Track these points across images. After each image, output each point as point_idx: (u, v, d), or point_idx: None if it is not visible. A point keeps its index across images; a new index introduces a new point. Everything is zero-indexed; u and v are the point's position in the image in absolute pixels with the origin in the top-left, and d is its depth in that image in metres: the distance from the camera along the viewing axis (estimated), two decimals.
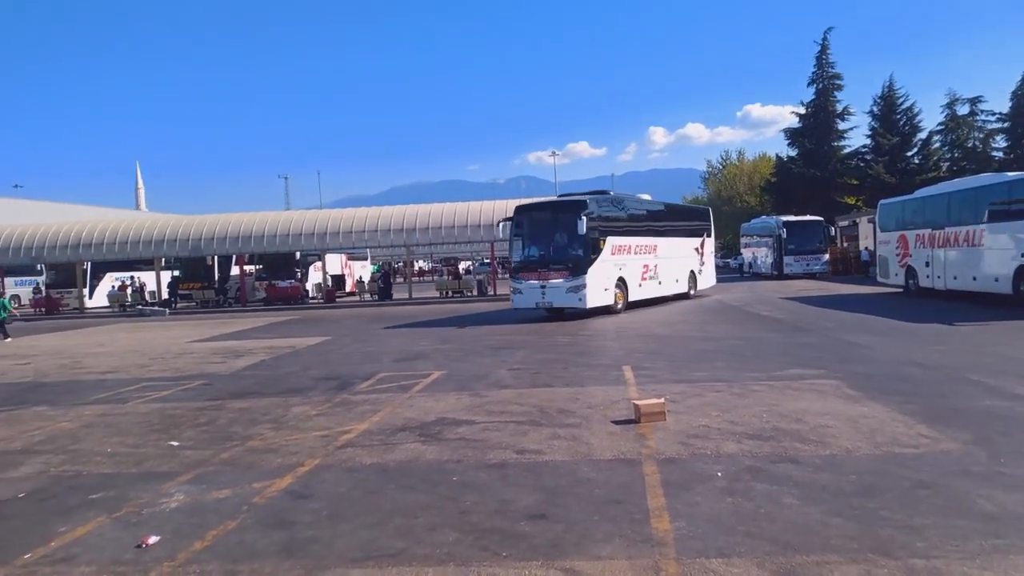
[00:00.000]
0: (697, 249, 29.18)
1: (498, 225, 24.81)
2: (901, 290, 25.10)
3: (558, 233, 21.64)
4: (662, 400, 8.29)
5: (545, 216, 22.64)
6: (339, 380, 12.19)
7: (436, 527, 5.12)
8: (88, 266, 40.25)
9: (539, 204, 23.87)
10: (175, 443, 8.18)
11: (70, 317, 36.05)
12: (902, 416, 7.81)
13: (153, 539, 5.11)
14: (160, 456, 7.64)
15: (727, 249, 76.10)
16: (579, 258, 21.08)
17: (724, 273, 56.27)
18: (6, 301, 25.99)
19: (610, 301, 22.17)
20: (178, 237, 37.07)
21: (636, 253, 24.00)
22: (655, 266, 25.27)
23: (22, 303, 42.02)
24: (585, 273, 20.99)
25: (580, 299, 20.94)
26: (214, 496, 6.14)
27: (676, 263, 26.92)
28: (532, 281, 21.59)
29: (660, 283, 25.58)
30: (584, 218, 20.43)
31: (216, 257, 39.51)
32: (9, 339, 23.90)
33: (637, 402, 8.22)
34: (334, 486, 6.26)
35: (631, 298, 23.45)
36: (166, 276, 40.73)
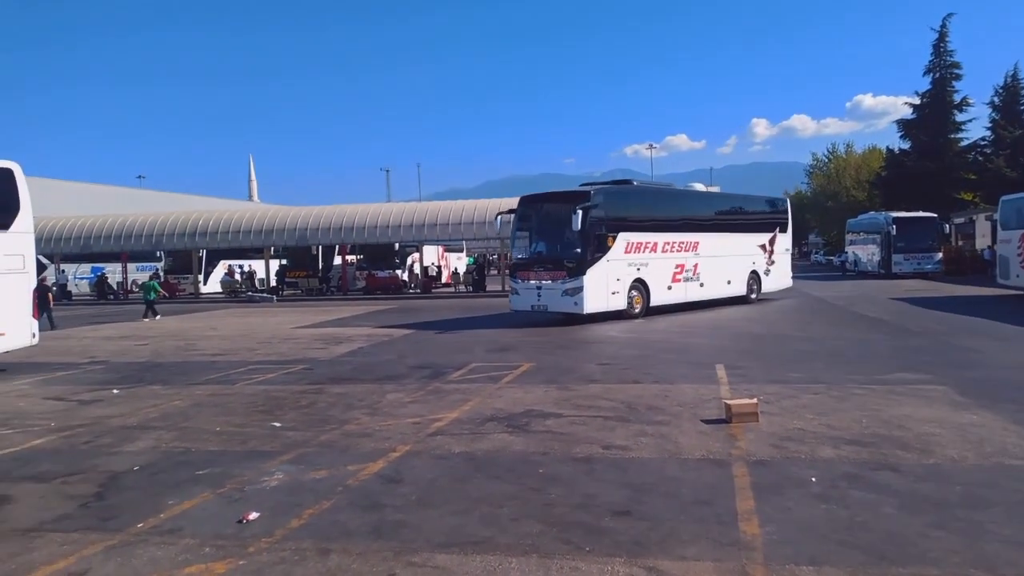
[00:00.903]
0: (764, 246, 25.58)
1: (496, 218, 22.93)
2: (1023, 293, 23.49)
3: (557, 229, 19.23)
4: (755, 400, 8.09)
5: (545, 209, 20.44)
6: (432, 369, 12.46)
7: (521, 518, 5.18)
8: (204, 254, 42.54)
9: (540, 196, 21.09)
10: (277, 424, 8.58)
11: (186, 302, 38.21)
12: (1014, 426, 7.35)
13: (253, 515, 5.39)
14: (263, 436, 8.04)
15: (831, 246, 72.97)
16: (577, 257, 18.73)
17: (825, 271, 54.25)
18: (155, 283, 28.45)
19: (620, 305, 19.65)
20: (286, 227, 38.68)
21: (664, 251, 21.25)
22: (694, 265, 22.38)
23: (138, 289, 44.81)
24: (583, 274, 18.60)
25: (576, 303, 18.58)
26: (311, 476, 6.42)
27: (729, 262, 23.69)
28: (528, 281, 19.60)
29: (702, 285, 22.62)
30: (580, 212, 17.91)
31: (320, 247, 40.96)
32: (158, 317, 25.99)
33: (728, 401, 8.06)
34: (423, 472, 6.43)
35: (656, 302, 20.87)
36: (275, 265, 42.63)
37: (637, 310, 20.24)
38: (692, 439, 7.21)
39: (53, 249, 40.03)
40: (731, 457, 6.54)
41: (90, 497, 6.10)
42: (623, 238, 19.78)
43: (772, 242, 25.96)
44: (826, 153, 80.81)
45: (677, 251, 21.83)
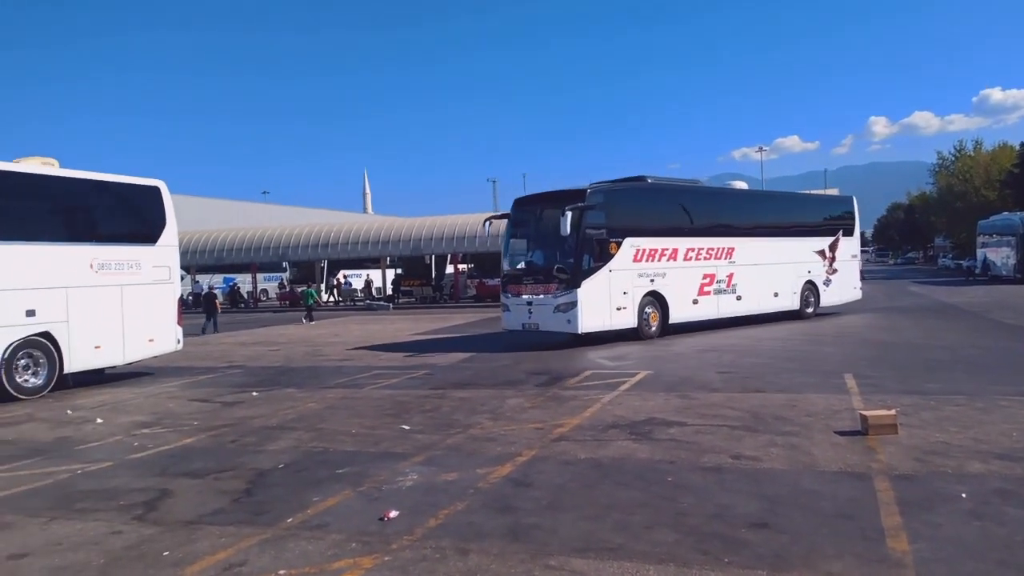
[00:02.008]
0: (823, 252, 22.35)
1: (484, 225, 19.25)
2: None
3: (551, 235, 16.33)
4: (893, 412, 7.72)
5: (539, 213, 17.48)
6: (549, 375, 12.57)
7: (654, 526, 5.17)
8: (325, 264, 44.56)
9: (535, 198, 18.26)
10: (406, 427, 8.89)
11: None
12: None
13: (393, 513, 5.62)
14: (394, 438, 8.35)
15: (960, 249, 68.38)
16: (570, 267, 16.15)
17: (952, 276, 50.76)
18: (313, 291, 30.86)
19: (628, 322, 16.93)
20: (400, 238, 40.00)
21: (687, 259, 18.42)
22: (728, 275, 19.35)
23: (269, 296, 47.40)
24: (577, 287, 15.98)
25: (570, 320, 16.00)
26: (443, 478, 6.62)
27: (776, 271, 20.65)
28: (519, 296, 17.06)
29: (739, 298, 19.58)
30: (569, 214, 15.36)
31: (433, 256, 42.09)
32: (314, 322, 27.93)
33: (864, 412, 7.73)
34: (552, 477, 6.51)
35: (678, 318, 18.04)
36: (391, 274, 44.17)
37: (653, 329, 17.46)
38: (827, 451, 6.96)
39: (190, 261, 42.90)
40: (872, 470, 6.28)
41: (241, 493, 6.52)
42: (631, 244, 17.08)
43: (833, 247, 22.68)
44: (952, 151, 75.84)
45: (705, 259, 18.91)
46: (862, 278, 24.55)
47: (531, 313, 16.75)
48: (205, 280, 47.18)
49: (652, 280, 17.50)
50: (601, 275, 16.43)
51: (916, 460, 6.52)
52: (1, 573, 4.90)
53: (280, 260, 45.17)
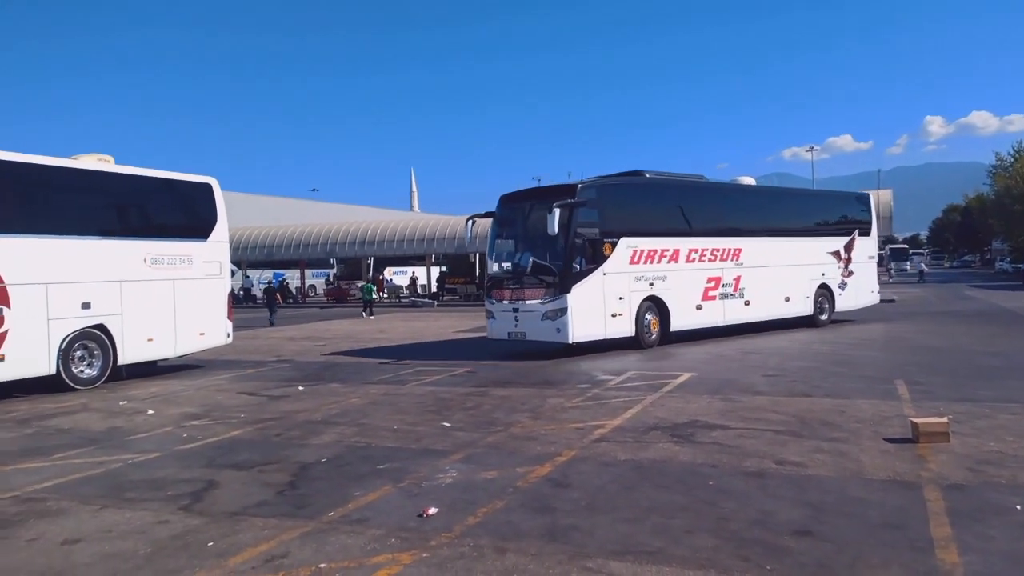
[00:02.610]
0: (837, 253, 20.80)
1: (467, 224, 17.99)
2: None
3: (539, 235, 14.96)
4: (945, 419, 7.49)
5: (526, 211, 15.96)
6: (589, 375, 12.52)
7: (694, 530, 5.10)
8: (371, 261, 45.13)
9: (522, 194, 16.59)
10: (447, 424, 8.94)
11: (354, 306, 40.52)
12: None
13: (433, 510, 5.65)
14: (434, 435, 8.41)
15: (1018, 253, 66.17)
16: (559, 269, 14.72)
17: (1010, 280, 49.07)
18: (372, 286, 31.73)
19: (624, 330, 15.53)
20: (445, 236, 40.31)
21: (690, 260, 16.98)
22: (735, 279, 17.88)
23: (317, 292, 48.17)
24: (567, 292, 14.55)
25: (559, 329, 14.59)
26: (483, 476, 6.64)
27: (787, 274, 19.13)
28: (504, 302, 15.59)
29: (747, 303, 18.11)
30: (557, 212, 13.97)
31: (477, 254, 42.27)
32: (372, 317, 28.57)
33: (915, 420, 7.52)
34: (591, 478, 6.47)
35: (680, 325, 16.61)
36: (435, 271, 44.55)
37: (652, 337, 16.10)
38: (875, 458, 6.80)
39: (240, 257, 43.82)
40: (922, 479, 6.10)
41: (284, 486, 6.63)
42: (627, 245, 15.68)
43: (849, 248, 21.09)
44: (1012, 152, 73.06)
45: (710, 260, 17.44)
46: (920, 279, 23.63)
47: (517, 321, 15.22)
48: (255, 275, 48.18)
49: (651, 284, 16.09)
50: (594, 279, 15.00)
51: (968, 470, 6.32)
52: (56, 557, 5.06)
53: (328, 257, 45.88)
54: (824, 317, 20.15)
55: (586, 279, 14.89)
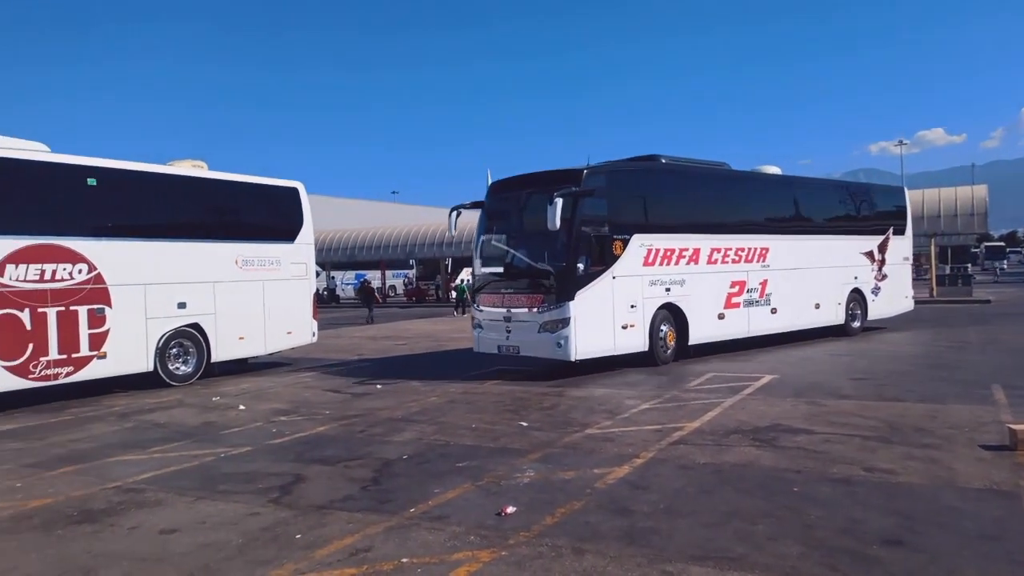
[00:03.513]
0: (871, 254, 18.56)
1: (451, 215, 14.87)
2: None
3: (536, 230, 12.58)
4: None
5: (520, 201, 13.43)
6: (669, 376, 12.36)
7: (778, 537, 4.99)
8: (449, 262, 45.75)
9: (515, 181, 13.89)
10: (524, 423, 9.00)
11: (431, 306, 41.20)
12: None
13: (511, 509, 5.71)
14: (512, 434, 8.48)
15: None
16: (560, 271, 12.30)
17: None
18: (465, 285, 32.80)
19: (636, 344, 13.21)
20: None
21: (712, 262, 14.76)
22: (761, 283, 15.66)
23: (397, 292, 49.19)
24: (570, 298, 12.16)
25: (560, 344, 12.21)
26: (560, 476, 6.66)
27: (818, 277, 16.95)
28: (494, 309, 13.28)
29: (774, 311, 15.88)
30: (559, 202, 11.61)
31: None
32: (465, 315, 29.50)
33: (1013, 426, 7.14)
34: (669, 481, 6.41)
35: (699, 338, 14.36)
36: None
37: (668, 352, 13.85)
38: (970, 466, 6.49)
39: (324, 258, 45.12)
40: (1020, 488, 5.80)
41: (368, 481, 6.82)
42: (640, 243, 13.35)
43: (883, 248, 18.86)
44: None
45: (733, 262, 15.21)
46: (997, 277, 21.88)
47: (509, 332, 12.90)
48: (339, 276, 49.54)
49: (668, 289, 13.80)
50: (602, 283, 12.64)
51: None
52: (155, 545, 5.35)
53: (407, 258, 46.73)
54: (856, 325, 18.14)
55: (592, 283, 12.50)
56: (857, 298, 18.17)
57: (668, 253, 13.88)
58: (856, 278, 18.16)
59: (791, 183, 17.87)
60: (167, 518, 5.96)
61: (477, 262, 14.13)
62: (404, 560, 4.81)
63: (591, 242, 12.61)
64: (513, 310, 12.83)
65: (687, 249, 14.24)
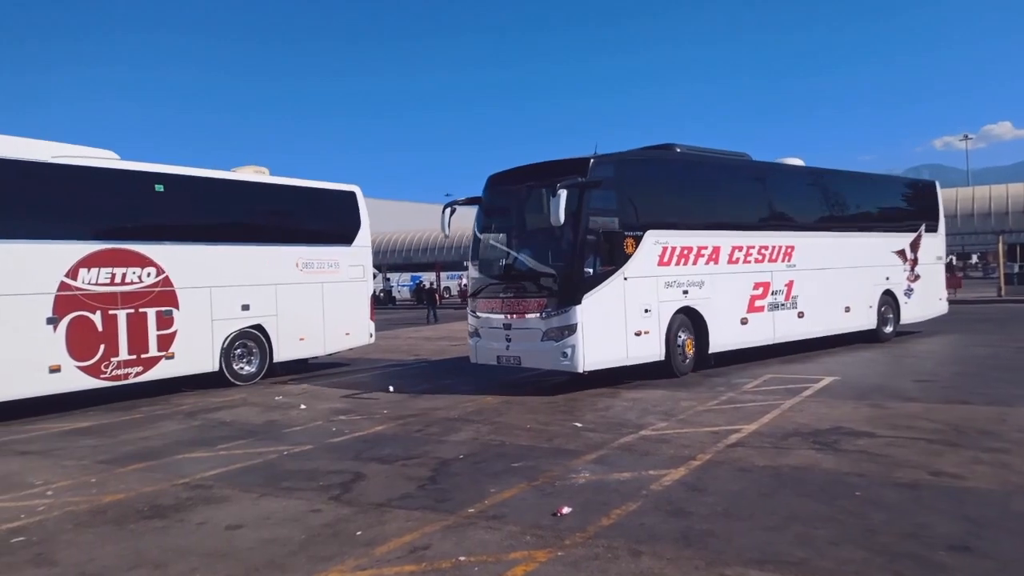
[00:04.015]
0: (903, 253, 17.28)
1: (444, 213, 13.21)
2: None
3: (538, 226, 11.80)
4: None
5: (521, 195, 12.31)
6: (725, 378, 12.20)
7: (840, 542, 4.91)
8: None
9: (514, 173, 12.73)
10: (579, 424, 9.01)
11: None
12: None
13: (566, 509, 5.74)
14: (567, 435, 8.50)
15: None
16: (566, 272, 11.18)
17: None
18: None
19: (651, 353, 11.99)
20: None
21: (733, 261, 13.50)
22: (786, 284, 14.40)
23: (452, 294, 49.66)
24: (576, 303, 10.99)
25: (566, 353, 11.02)
26: (615, 477, 6.66)
27: (848, 278, 15.69)
28: (492, 315, 12.01)
29: (801, 315, 14.64)
30: (563, 195, 10.57)
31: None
32: None
33: None
34: (727, 483, 6.35)
35: (720, 345, 13.12)
36: None
37: (687, 362, 12.69)
38: None
39: (380, 260, 45.80)
40: None
41: (425, 480, 6.92)
42: (655, 240, 12.10)
43: (915, 246, 17.55)
44: None
45: (757, 261, 13.96)
46: None
47: (510, 341, 11.71)
48: (395, 278, 50.25)
49: (685, 292, 12.55)
50: (612, 285, 11.44)
51: None
52: (221, 541, 5.54)
53: (461, 260, 47.10)
54: (888, 330, 16.77)
55: (602, 286, 11.30)
56: (889, 301, 16.89)
57: (685, 251, 12.66)
58: (888, 279, 16.89)
59: (818, 175, 16.38)
60: (233, 514, 6.16)
61: (474, 264, 12.91)
62: (462, 558, 4.89)
63: (599, 239, 11.43)
64: (514, 316, 11.61)
65: (706, 247, 13.05)
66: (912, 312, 17.51)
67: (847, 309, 15.67)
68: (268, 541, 5.44)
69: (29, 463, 8.38)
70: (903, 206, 18.31)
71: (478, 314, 12.32)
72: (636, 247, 11.79)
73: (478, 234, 12.83)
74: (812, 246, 15.01)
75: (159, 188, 12.74)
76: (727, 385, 11.51)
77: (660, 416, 9.31)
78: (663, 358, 12.15)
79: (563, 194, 10.53)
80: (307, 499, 6.44)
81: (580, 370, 11.07)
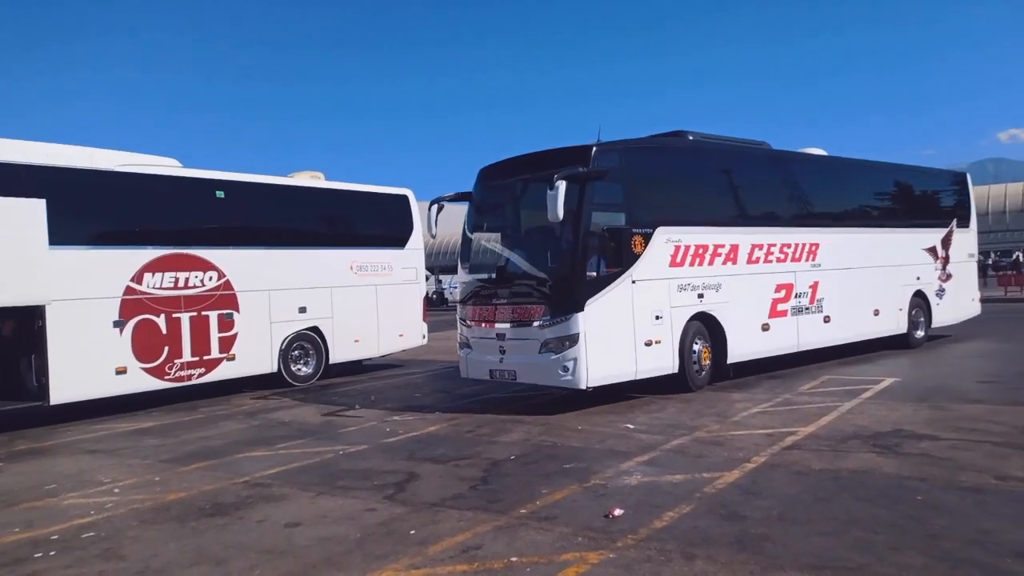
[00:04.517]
0: (933, 250, 16.04)
1: (430, 210, 11.96)
2: None
3: (535, 224, 10.75)
4: None
5: (516, 189, 11.09)
6: (780, 379, 11.99)
7: (900, 547, 4.79)
8: None
9: (507, 166, 11.44)
10: (630, 426, 8.97)
11: None
12: None
13: (618, 511, 5.72)
14: (618, 436, 8.47)
15: None
16: (566, 275, 9.97)
17: None
18: None
19: (663, 364, 10.68)
20: None
21: (753, 261, 12.22)
22: (811, 286, 13.15)
23: None
24: (578, 310, 9.75)
25: (567, 367, 9.75)
26: (668, 479, 6.61)
27: (877, 279, 14.43)
28: (483, 326, 10.76)
29: (827, 319, 13.36)
30: (562, 187, 9.38)
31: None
32: None
33: None
34: (782, 487, 6.25)
35: (739, 355, 11.82)
36: None
37: (703, 374, 11.36)
38: None
39: (432, 263, 46.22)
40: None
41: (478, 480, 6.99)
42: (666, 237, 10.83)
43: (946, 243, 16.28)
44: None
45: (779, 261, 12.68)
46: None
47: (504, 353, 10.41)
48: (447, 280, 50.68)
49: (700, 295, 11.29)
50: (619, 289, 10.19)
51: None
52: (280, 538, 5.68)
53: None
54: (920, 334, 15.57)
55: (607, 290, 10.05)
56: (920, 303, 15.63)
57: (700, 251, 11.38)
58: (918, 278, 15.60)
59: (844, 166, 15.16)
60: (291, 512, 6.31)
61: (463, 266, 11.61)
62: (513, 559, 4.92)
63: (604, 237, 10.30)
64: (508, 325, 10.36)
65: (723, 246, 11.75)
66: (944, 314, 16.25)
67: (876, 312, 14.44)
68: (325, 539, 5.56)
69: (97, 461, 8.73)
70: (934, 200, 17.00)
71: (468, 323, 11.07)
72: (645, 246, 10.58)
73: (468, 234, 11.67)
74: (838, 243, 13.79)
75: (220, 194, 13.11)
76: (783, 386, 11.31)
77: (714, 418, 9.20)
78: (676, 371, 10.90)
79: (562, 186, 9.36)
80: (362, 498, 6.56)
81: (583, 386, 9.81)
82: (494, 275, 10.85)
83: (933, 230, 16.25)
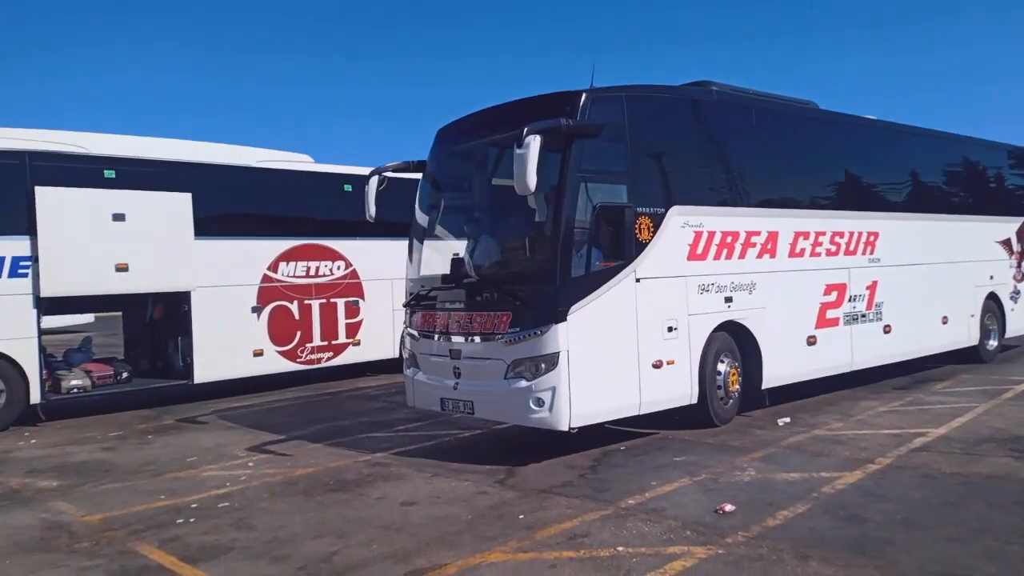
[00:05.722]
0: (1007, 243, 13.22)
1: (369, 182, 8.91)
2: None
3: (503, 202, 8.19)
4: None
5: (478, 155, 8.52)
6: (912, 377, 11.34)
7: None
8: None
9: (470, 123, 8.51)
10: (746, 420, 8.75)
11: None
12: None
13: (729, 507, 5.63)
14: (732, 431, 8.30)
15: None
16: (540, 271, 7.31)
17: None
18: None
19: (677, 395, 7.94)
20: None
21: (796, 254, 9.40)
22: (869, 287, 10.34)
23: None
24: (558, 319, 6.89)
25: (541, 401, 6.91)
26: (783, 477, 6.44)
27: (945, 278, 11.55)
28: (434, 339, 7.92)
29: (887, 329, 10.54)
30: (534, 144, 6.47)
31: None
32: None
33: None
34: (908, 490, 5.96)
35: (777, 377, 9.05)
36: None
37: (729, 404, 8.65)
38: None
39: None
40: None
41: (587, 469, 7.05)
42: (683, 220, 8.07)
43: (1021, 236, 13.48)
44: None
45: (828, 254, 9.87)
46: None
47: (459, 376, 7.62)
48: None
49: (728, 299, 8.54)
50: (617, 290, 7.39)
51: None
52: (396, 515, 5.96)
53: None
54: (992, 344, 12.76)
55: (600, 291, 7.25)
56: (993, 307, 12.80)
57: (729, 240, 8.60)
58: (992, 278, 12.78)
59: (910, 136, 11.87)
60: (408, 491, 6.60)
61: (411, 259, 8.77)
62: (619, 549, 4.96)
63: (597, 219, 7.27)
64: (463, 339, 7.56)
65: (758, 233, 8.96)
66: (1018, 321, 13.45)
67: (944, 320, 11.62)
68: (438, 519, 5.79)
69: (235, 436, 9.41)
70: (1009, 182, 13.98)
71: (414, 333, 8.31)
72: (655, 231, 7.75)
73: (419, 216, 8.75)
74: (901, 233, 10.94)
75: (348, 188, 13.74)
76: (913, 384, 10.70)
77: (836, 415, 8.86)
78: (696, 400, 8.16)
79: (534, 144, 6.49)
80: (475, 481, 6.77)
81: (564, 427, 6.99)
82: (449, 271, 8.20)
83: (1008, 219, 13.48)
